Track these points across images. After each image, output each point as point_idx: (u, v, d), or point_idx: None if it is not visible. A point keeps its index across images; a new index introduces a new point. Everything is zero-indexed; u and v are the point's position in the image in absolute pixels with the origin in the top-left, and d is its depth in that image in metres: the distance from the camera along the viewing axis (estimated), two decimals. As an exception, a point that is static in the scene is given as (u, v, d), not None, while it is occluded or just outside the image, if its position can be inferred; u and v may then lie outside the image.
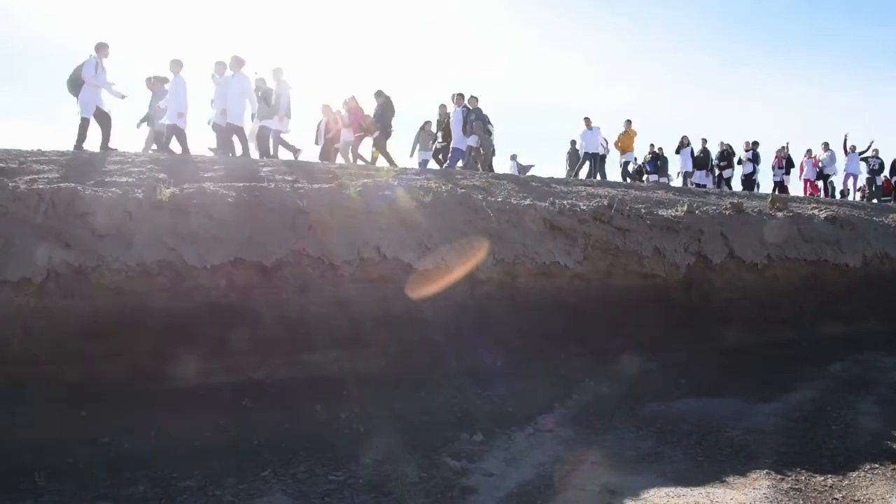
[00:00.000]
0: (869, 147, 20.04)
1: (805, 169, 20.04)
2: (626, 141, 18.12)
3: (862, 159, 20.01)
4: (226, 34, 71.53)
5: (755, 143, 19.36)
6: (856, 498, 5.43)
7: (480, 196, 9.20)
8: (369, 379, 7.57)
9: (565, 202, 9.68)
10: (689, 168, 19.06)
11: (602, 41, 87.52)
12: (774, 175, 19.79)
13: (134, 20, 70.25)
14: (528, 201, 9.46)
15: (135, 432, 6.19)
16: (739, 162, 19.42)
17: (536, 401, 7.53)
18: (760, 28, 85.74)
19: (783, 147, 19.93)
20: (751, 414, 7.58)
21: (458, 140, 14.78)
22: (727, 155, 19.36)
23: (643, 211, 10.14)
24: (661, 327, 9.78)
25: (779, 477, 5.72)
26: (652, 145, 19.59)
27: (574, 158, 18.25)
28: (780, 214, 12.12)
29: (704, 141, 19.39)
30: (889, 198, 21.37)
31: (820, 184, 20.16)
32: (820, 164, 19.93)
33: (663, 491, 5.28)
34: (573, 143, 18.57)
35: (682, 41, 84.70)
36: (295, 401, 6.99)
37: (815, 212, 13.23)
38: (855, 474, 5.93)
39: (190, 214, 7.07)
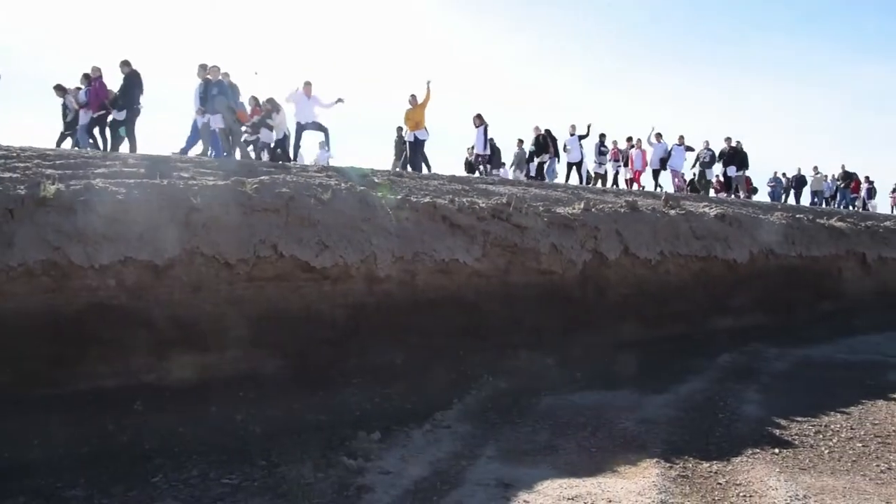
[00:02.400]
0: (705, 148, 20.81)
1: (635, 161, 20.53)
2: (414, 116, 15.17)
3: (688, 149, 20.26)
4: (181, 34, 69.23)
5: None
6: (738, 481, 5.65)
7: (380, 194, 9.16)
8: (266, 379, 7.44)
9: (465, 200, 9.75)
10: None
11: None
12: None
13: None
14: (427, 199, 9.48)
15: (16, 441, 5.88)
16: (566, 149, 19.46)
17: (435, 397, 7.56)
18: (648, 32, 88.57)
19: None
20: (643, 405, 7.80)
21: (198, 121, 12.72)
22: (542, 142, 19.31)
23: (541, 209, 10.32)
24: (559, 323, 9.97)
25: (667, 465, 5.90)
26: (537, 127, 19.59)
27: (400, 146, 17.37)
28: (672, 212, 12.52)
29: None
30: (728, 194, 22.38)
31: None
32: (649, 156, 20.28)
33: (556, 483, 5.38)
34: (399, 129, 17.60)
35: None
36: (188, 403, 6.79)
37: (706, 210, 13.74)
38: (738, 459, 6.18)
39: (76, 212, 6.78)
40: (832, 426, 7.34)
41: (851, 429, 7.29)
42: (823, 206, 25.80)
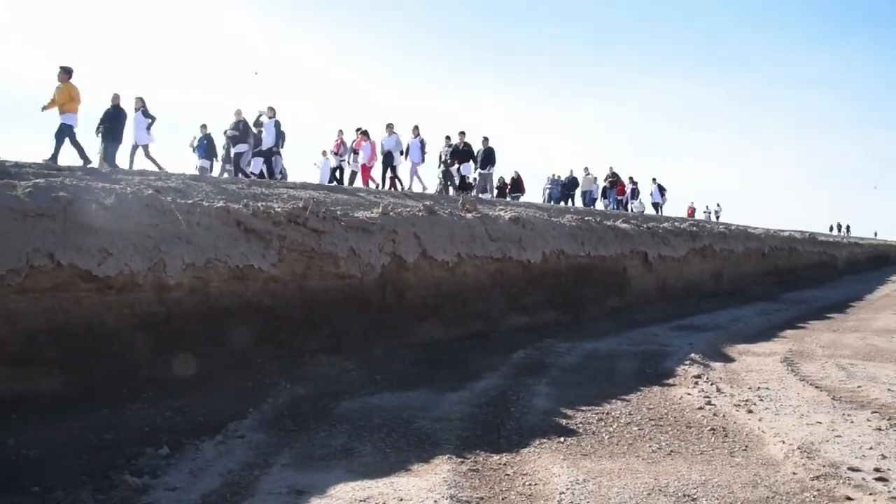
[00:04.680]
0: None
1: (362, 154, 19.76)
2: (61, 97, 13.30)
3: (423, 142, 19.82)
4: None
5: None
6: (524, 471, 5.92)
7: (170, 198, 8.79)
8: (43, 399, 6.92)
9: (260, 204, 9.57)
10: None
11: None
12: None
13: None
14: (220, 203, 9.21)
15: None
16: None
17: (230, 408, 7.33)
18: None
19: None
20: (440, 403, 7.98)
21: None
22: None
23: (339, 213, 10.31)
24: (359, 326, 10.01)
25: (459, 460, 6.07)
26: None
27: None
28: (469, 216, 12.92)
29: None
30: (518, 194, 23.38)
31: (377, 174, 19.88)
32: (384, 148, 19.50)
33: (349, 486, 5.38)
34: (203, 126, 18.71)
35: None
36: (-48, 429, 6.19)
37: (502, 213, 14.29)
38: (526, 450, 6.46)
39: None
40: (613, 413, 7.85)
41: (630, 414, 7.83)
42: (593, 206, 27.66)
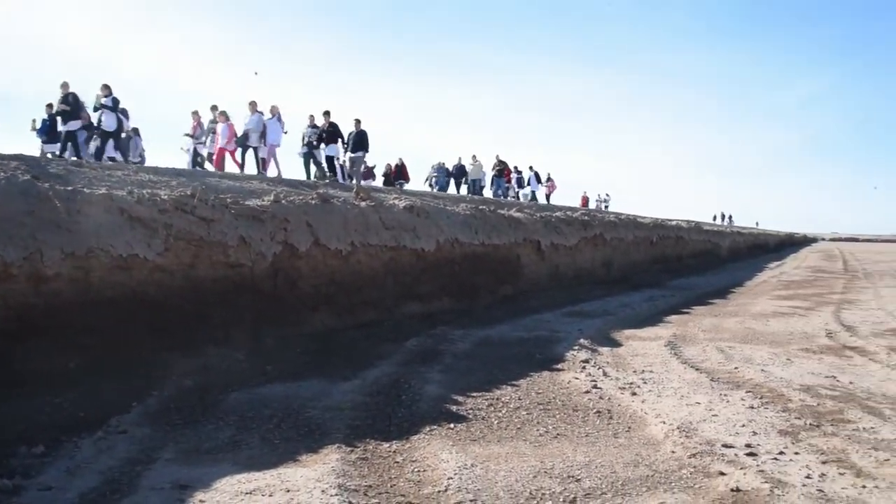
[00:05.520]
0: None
1: (220, 135, 18.70)
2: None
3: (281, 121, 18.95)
4: None
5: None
6: (414, 458, 5.96)
7: (48, 184, 8.41)
8: None
9: (145, 191, 9.26)
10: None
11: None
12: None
13: None
14: (103, 190, 8.87)
15: None
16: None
17: (113, 402, 7.08)
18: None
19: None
20: (331, 393, 7.93)
21: None
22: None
23: (229, 201, 10.09)
24: (249, 316, 9.84)
25: (349, 449, 6.06)
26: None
27: None
28: (363, 204, 12.87)
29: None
30: (401, 181, 23.29)
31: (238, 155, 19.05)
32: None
33: (235, 479, 5.29)
34: (49, 105, 17.50)
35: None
36: None
37: (396, 202, 14.29)
38: (416, 437, 6.51)
39: None
40: (503, 398, 7.98)
41: (519, 399, 7.98)
42: (483, 194, 28.11)
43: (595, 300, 18.30)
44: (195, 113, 19.99)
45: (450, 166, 29.64)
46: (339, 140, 20.12)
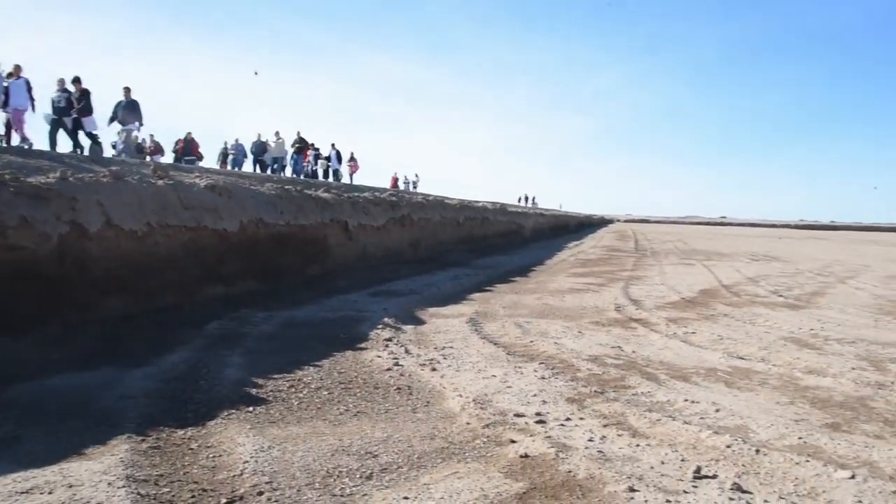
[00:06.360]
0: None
1: None
2: None
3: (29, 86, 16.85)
4: None
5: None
6: (210, 444, 5.83)
7: None
8: None
9: None
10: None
11: None
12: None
13: None
14: None
15: None
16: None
17: None
18: None
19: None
20: (125, 381, 7.58)
21: None
22: None
23: (8, 177, 9.34)
24: (33, 302, 9.17)
25: (140, 439, 5.83)
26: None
27: None
28: (160, 182, 12.32)
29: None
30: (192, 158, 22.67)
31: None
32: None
33: (11, 477, 4.93)
34: None
35: None
36: None
37: (197, 180, 13.79)
38: (213, 423, 6.37)
39: None
40: (304, 379, 7.97)
41: (321, 380, 8.00)
42: (283, 173, 27.85)
43: (402, 280, 18.58)
44: None
45: (248, 144, 28.88)
46: (92, 112, 18.04)
